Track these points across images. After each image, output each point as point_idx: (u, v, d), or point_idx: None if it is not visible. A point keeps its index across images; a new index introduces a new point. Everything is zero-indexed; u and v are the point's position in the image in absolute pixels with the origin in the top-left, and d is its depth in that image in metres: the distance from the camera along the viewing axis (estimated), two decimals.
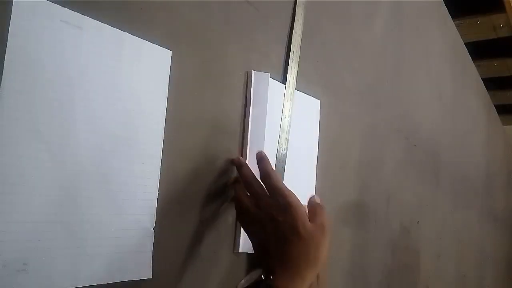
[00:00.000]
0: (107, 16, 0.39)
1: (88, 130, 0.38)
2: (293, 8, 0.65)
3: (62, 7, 0.36)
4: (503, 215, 2.36)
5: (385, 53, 0.96)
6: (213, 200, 0.51)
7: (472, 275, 1.72)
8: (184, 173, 0.48)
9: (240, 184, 0.51)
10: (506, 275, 2.44)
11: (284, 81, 0.63)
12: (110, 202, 0.40)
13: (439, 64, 1.33)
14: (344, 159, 0.80)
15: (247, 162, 0.53)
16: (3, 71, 0.32)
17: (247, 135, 0.55)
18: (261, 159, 0.51)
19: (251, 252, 0.52)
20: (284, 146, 0.60)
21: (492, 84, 2.19)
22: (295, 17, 0.65)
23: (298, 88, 0.65)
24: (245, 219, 0.50)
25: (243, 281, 0.48)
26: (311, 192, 0.67)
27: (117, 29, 0.40)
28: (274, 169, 0.52)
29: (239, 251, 0.54)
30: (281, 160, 0.60)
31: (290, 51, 0.63)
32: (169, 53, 0.45)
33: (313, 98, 0.69)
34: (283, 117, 0.61)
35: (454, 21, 1.47)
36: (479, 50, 1.95)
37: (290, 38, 0.64)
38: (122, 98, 0.41)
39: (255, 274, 0.50)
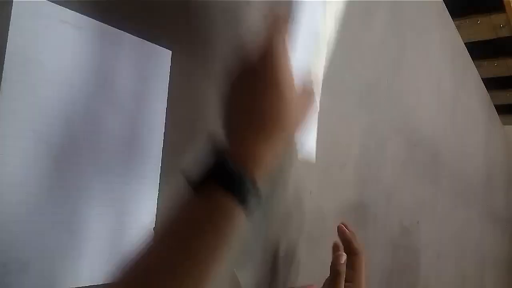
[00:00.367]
0: (107, 16, 0.39)
1: (88, 130, 0.38)
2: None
3: (62, 7, 0.36)
4: (503, 215, 2.36)
5: (385, 53, 0.96)
6: None
7: (472, 275, 1.72)
8: None
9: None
10: (506, 275, 2.44)
11: None
12: (110, 202, 0.40)
13: (439, 64, 1.33)
14: (344, 159, 0.80)
15: None
16: (3, 71, 0.32)
17: None
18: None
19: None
20: None
21: (492, 84, 2.19)
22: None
23: None
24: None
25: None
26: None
27: (117, 29, 0.40)
28: None
29: None
30: None
31: None
32: (169, 53, 0.45)
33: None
34: None
35: (454, 21, 1.47)
36: (479, 50, 1.94)
37: None
38: (122, 98, 0.41)
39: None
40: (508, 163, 2.48)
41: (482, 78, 1.92)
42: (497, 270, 2.22)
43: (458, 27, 1.53)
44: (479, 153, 1.87)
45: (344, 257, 0.55)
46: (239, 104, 0.39)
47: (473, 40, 1.90)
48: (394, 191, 0.99)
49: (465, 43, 1.61)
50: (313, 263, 0.71)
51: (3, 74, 0.32)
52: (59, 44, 0.36)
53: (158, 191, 0.44)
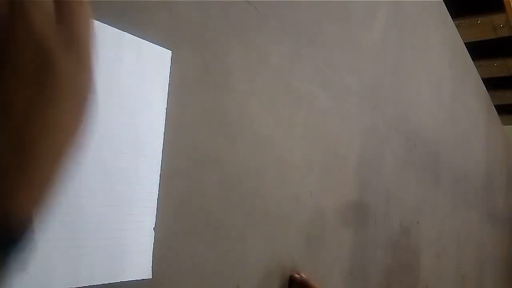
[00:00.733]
0: (107, 16, 0.39)
1: (88, 130, 0.38)
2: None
3: None
4: (503, 215, 2.36)
5: (385, 53, 0.96)
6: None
7: (472, 275, 1.72)
8: (184, 173, 0.48)
9: None
10: (506, 275, 2.44)
11: None
12: (110, 202, 0.40)
13: (439, 64, 1.33)
14: (344, 159, 0.80)
15: None
16: None
17: None
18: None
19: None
20: None
21: (492, 84, 2.19)
22: None
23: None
24: None
25: None
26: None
27: (117, 29, 0.40)
28: None
29: None
30: None
31: None
32: (169, 53, 0.45)
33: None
34: None
35: (454, 21, 1.47)
36: (479, 50, 1.95)
37: None
38: (123, 98, 0.41)
39: None
40: (508, 163, 2.48)
41: (482, 78, 1.92)
42: (497, 270, 2.22)
43: (458, 27, 1.53)
44: (479, 153, 1.87)
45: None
46: None
47: (473, 40, 1.91)
48: (394, 191, 0.99)
49: (465, 43, 1.61)
50: (313, 263, 0.71)
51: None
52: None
53: (158, 191, 0.44)
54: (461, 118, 1.56)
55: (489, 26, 1.87)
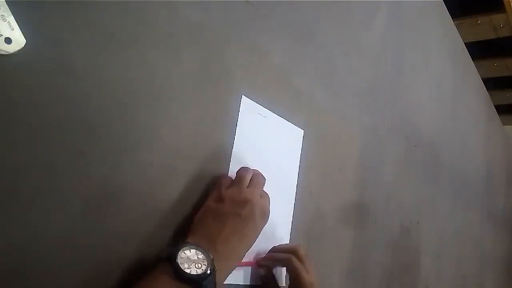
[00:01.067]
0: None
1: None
2: None
3: (257, 104, 0.58)
4: (503, 215, 2.36)
5: (385, 53, 0.96)
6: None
7: (472, 275, 1.72)
8: (184, 173, 0.48)
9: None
10: (506, 275, 2.44)
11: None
12: None
13: (439, 64, 1.33)
14: (344, 160, 0.80)
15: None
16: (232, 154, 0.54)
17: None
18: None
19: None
20: None
21: (492, 84, 2.19)
22: None
23: (299, 91, 0.65)
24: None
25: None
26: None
27: (276, 115, 0.62)
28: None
29: None
30: None
31: None
32: (301, 131, 0.67)
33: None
34: None
35: (454, 21, 1.47)
36: (479, 50, 1.95)
37: None
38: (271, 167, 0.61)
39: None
40: (508, 163, 2.48)
41: (482, 78, 1.92)
42: (497, 270, 2.22)
43: (458, 27, 1.53)
44: (479, 153, 1.87)
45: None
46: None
47: (473, 40, 1.91)
48: (394, 191, 0.99)
49: (465, 43, 1.61)
50: (313, 263, 0.71)
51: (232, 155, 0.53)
52: (256, 128, 0.57)
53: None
54: (461, 118, 1.56)
55: (489, 26, 1.87)
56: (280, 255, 0.58)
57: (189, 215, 0.48)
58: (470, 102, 1.72)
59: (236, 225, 0.46)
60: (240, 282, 0.54)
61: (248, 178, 0.52)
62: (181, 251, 0.40)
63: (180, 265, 0.39)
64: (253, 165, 0.55)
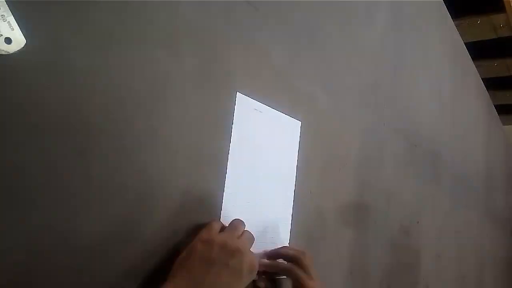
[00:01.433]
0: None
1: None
2: None
3: (253, 99, 0.57)
4: (503, 215, 2.36)
5: (385, 53, 0.96)
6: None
7: (472, 275, 1.72)
8: (183, 173, 0.48)
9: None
10: (506, 275, 2.44)
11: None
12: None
13: (439, 64, 1.33)
14: (344, 159, 0.80)
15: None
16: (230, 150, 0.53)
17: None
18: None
19: None
20: None
21: (492, 84, 2.19)
22: None
23: (297, 87, 0.65)
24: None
25: None
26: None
27: (275, 110, 0.61)
28: None
29: None
30: None
31: None
32: (299, 123, 0.66)
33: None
34: None
35: (454, 21, 1.47)
36: (479, 50, 1.94)
37: None
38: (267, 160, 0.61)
39: None
40: (508, 163, 2.48)
41: (482, 78, 1.92)
42: (497, 270, 2.22)
43: (458, 27, 1.53)
44: (479, 153, 1.87)
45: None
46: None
47: (473, 40, 1.91)
48: (394, 191, 0.99)
49: (465, 43, 1.61)
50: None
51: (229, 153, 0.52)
52: (254, 124, 0.57)
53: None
54: (461, 118, 1.56)
55: (489, 26, 1.87)
56: (281, 265, 0.56)
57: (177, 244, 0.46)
58: (470, 102, 1.72)
59: (221, 274, 0.43)
60: None
61: (241, 229, 0.49)
62: None
63: None
64: (251, 162, 0.55)
